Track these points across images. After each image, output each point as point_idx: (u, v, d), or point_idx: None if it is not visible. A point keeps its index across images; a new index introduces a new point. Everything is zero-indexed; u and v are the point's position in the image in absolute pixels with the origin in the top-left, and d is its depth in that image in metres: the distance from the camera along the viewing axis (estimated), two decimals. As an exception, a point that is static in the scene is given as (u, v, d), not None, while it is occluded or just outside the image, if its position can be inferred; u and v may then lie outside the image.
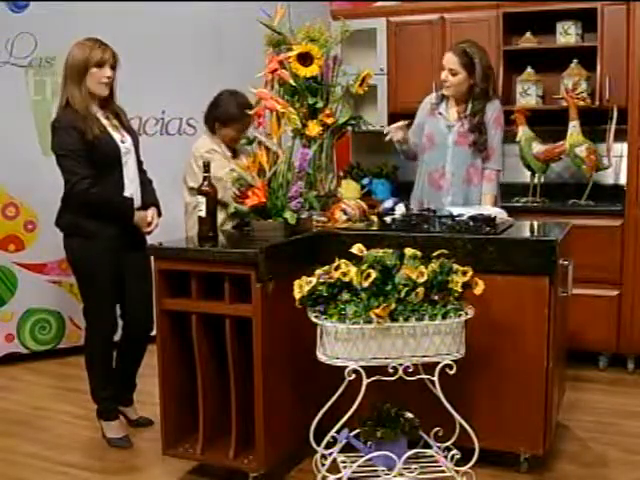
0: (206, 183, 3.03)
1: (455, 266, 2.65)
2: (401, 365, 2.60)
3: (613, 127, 4.17)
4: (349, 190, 3.49)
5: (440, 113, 3.74)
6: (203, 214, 3.01)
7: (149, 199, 3.41)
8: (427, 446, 2.87)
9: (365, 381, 2.60)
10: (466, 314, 2.65)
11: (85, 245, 3.26)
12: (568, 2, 4.28)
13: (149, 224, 3.34)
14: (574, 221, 3.51)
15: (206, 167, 3.05)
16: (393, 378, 2.59)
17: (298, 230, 3.03)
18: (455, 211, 3.19)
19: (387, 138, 3.74)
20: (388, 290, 2.58)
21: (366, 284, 2.55)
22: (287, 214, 2.94)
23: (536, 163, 4.39)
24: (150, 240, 3.29)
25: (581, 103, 4.26)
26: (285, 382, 2.97)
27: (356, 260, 2.65)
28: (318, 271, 2.64)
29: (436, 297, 2.63)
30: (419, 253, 2.69)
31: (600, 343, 4.22)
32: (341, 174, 4.41)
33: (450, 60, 3.61)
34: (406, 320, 2.58)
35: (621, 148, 4.29)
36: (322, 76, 3.40)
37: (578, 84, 4.30)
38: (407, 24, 4.73)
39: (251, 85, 3.21)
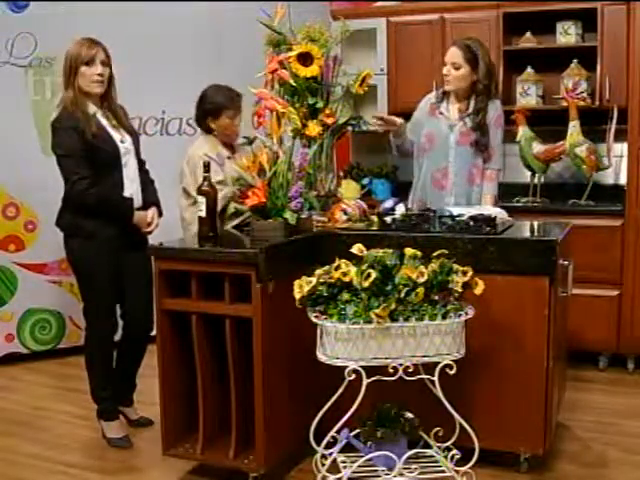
0: (206, 183, 3.03)
1: (455, 266, 2.65)
2: (401, 365, 2.60)
3: (613, 127, 4.17)
4: (349, 190, 3.49)
5: (441, 113, 3.71)
6: (203, 214, 3.01)
7: (150, 198, 3.41)
8: (427, 446, 2.87)
9: (365, 381, 2.60)
10: (466, 314, 2.65)
11: (85, 245, 3.26)
12: (568, 2, 4.28)
13: (149, 224, 3.34)
14: (574, 221, 3.51)
15: (206, 167, 3.05)
16: (393, 378, 2.59)
17: (298, 230, 3.03)
18: (455, 211, 3.19)
19: (377, 124, 3.65)
20: (388, 290, 2.58)
21: (366, 284, 2.55)
22: (287, 214, 2.94)
23: (536, 163, 4.39)
24: (150, 240, 3.30)
25: (581, 103, 4.26)
26: (285, 382, 2.96)
27: (356, 260, 2.65)
28: (318, 271, 2.64)
29: (436, 297, 2.63)
30: (419, 253, 2.69)
31: (600, 343, 4.22)
32: (341, 174, 4.40)
33: (454, 54, 3.59)
34: (406, 320, 2.58)
35: (621, 148, 4.29)
36: (322, 76, 3.40)
37: (578, 84, 4.30)
38: (407, 24, 4.73)
39: (251, 85, 3.21)
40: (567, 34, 4.40)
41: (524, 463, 3.01)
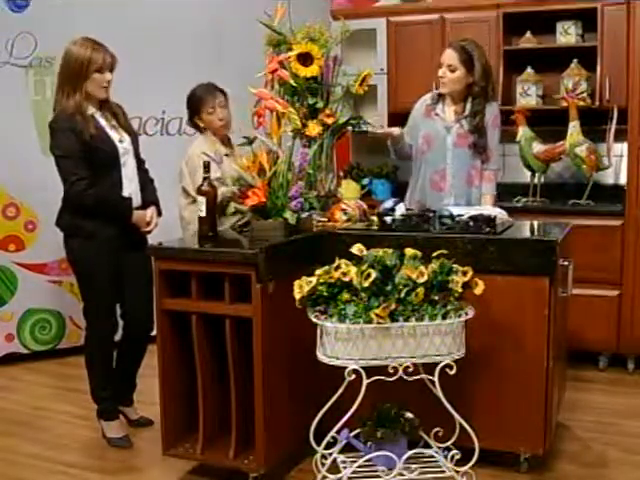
0: (206, 183, 3.03)
1: (455, 266, 2.65)
2: (401, 365, 2.60)
3: (613, 127, 4.17)
4: (349, 190, 3.49)
5: (437, 114, 3.69)
6: (203, 214, 3.01)
7: (149, 198, 3.41)
8: (427, 446, 2.87)
9: (365, 381, 2.60)
10: (466, 314, 2.65)
11: (85, 245, 3.26)
12: (568, 2, 4.28)
13: (148, 223, 3.34)
14: (574, 221, 3.51)
15: (206, 168, 3.05)
16: (393, 378, 2.59)
17: (298, 230, 3.03)
18: (455, 211, 3.19)
19: (374, 131, 3.67)
20: (388, 290, 2.58)
21: (366, 284, 2.55)
22: (287, 214, 2.95)
23: (536, 163, 4.39)
24: (150, 240, 3.30)
25: (581, 103, 4.26)
26: (285, 382, 2.96)
27: (356, 260, 2.65)
28: (318, 271, 2.64)
29: (436, 297, 2.63)
30: (419, 253, 2.69)
31: (600, 343, 4.22)
32: (341, 174, 4.40)
33: (449, 56, 3.57)
34: (406, 320, 2.58)
35: (621, 148, 4.29)
36: (322, 76, 3.40)
37: (578, 84, 4.30)
38: (407, 24, 4.73)
39: (251, 85, 3.21)
40: (567, 34, 4.39)
41: (524, 463, 3.01)
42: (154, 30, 4.57)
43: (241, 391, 2.88)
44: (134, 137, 3.41)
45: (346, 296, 2.60)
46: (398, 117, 3.92)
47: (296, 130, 3.34)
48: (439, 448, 2.85)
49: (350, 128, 3.60)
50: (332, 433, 2.77)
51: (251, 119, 3.41)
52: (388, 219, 3.19)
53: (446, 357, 2.63)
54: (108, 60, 3.20)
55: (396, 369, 2.60)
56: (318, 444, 2.77)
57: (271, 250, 2.80)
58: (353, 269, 2.59)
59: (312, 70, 3.33)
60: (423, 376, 2.69)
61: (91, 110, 3.24)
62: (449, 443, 2.82)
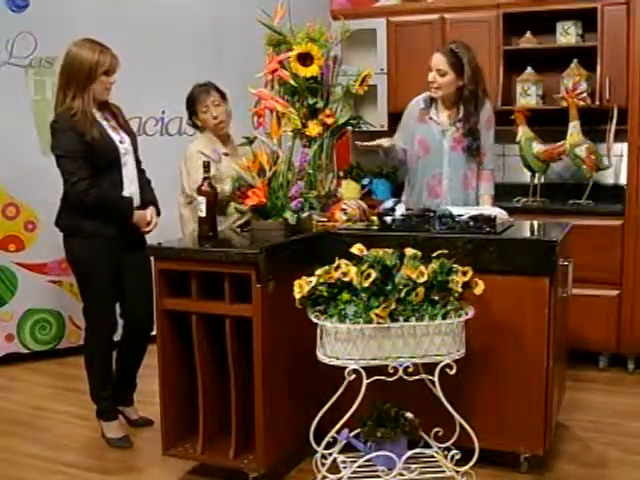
0: (206, 183, 3.03)
1: (455, 266, 2.65)
2: (401, 365, 2.60)
3: (613, 127, 4.17)
4: (349, 190, 3.50)
5: (431, 118, 3.65)
6: (203, 214, 3.01)
7: (147, 198, 3.41)
8: (427, 446, 2.87)
9: (365, 381, 2.60)
10: (466, 314, 2.65)
11: (85, 245, 3.26)
12: (568, 2, 4.28)
13: (148, 223, 3.34)
14: (574, 221, 3.51)
15: (206, 168, 3.05)
16: (393, 378, 2.59)
17: (298, 230, 3.03)
18: (455, 211, 3.19)
19: (364, 144, 3.60)
20: (388, 290, 2.58)
21: (366, 284, 2.55)
22: (287, 214, 2.94)
23: (536, 163, 4.39)
24: (149, 240, 3.30)
25: (581, 103, 4.26)
26: (285, 382, 2.96)
27: (356, 260, 2.65)
28: (318, 271, 2.64)
29: (436, 297, 2.63)
30: (419, 253, 2.69)
31: (600, 343, 4.22)
32: (341, 174, 4.41)
33: (438, 60, 3.54)
34: (406, 320, 2.58)
35: (621, 148, 4.29)
36: (322, 76, 3.40)
37: (578, 84, 4.29)
38: (407, 24, 4.73)
39: (251, 85, 3.21)
40: (567, 34, 4.40)
41: (524, 463, 3.01)
42: (154, 30, 4.58)
43: (241, 391, 2.88)
44: (133, 137, 3.41)
45: (346, 296, 2.60)
46: (398, 117, 3.91)
47: (296, 130, 3.34)
48: (439, 448, 2.85)
49: (350, 128, 3.60)
50: (332, 433, 2.77)
51: (251, 119, 3.41)
52: (388, 219, 3.19)
53: (446, 357, 2.63)
54: (114, 63, 3.22)
55: (396, 369, 2.60)
56: (318, 444, 2.77)
57: (271, 250, 2.80)
58: (353, 269, 2.59)
59: (312, 70, 3.33)
60: (423, 376, 2.69)
61: (92, 111, 3.24)
62: (449, 443, 2.82)
